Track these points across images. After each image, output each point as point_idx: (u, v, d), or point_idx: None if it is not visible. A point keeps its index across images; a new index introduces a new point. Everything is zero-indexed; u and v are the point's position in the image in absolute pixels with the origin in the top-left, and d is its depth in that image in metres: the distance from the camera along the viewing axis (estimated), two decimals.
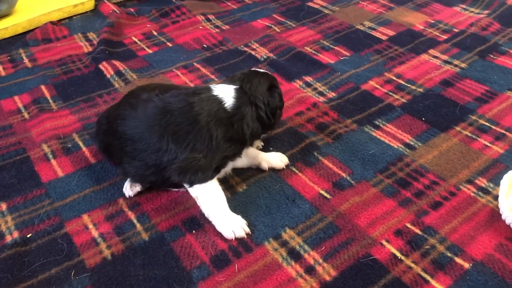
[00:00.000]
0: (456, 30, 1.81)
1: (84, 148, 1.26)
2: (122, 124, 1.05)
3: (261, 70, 1.16)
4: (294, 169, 1.20)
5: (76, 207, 1.10)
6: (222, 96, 1.05)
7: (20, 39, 1.79)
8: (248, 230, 1.02)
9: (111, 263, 0.97)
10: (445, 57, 1.65)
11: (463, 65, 1.60)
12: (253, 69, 1.17)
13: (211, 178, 1.02)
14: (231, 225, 1.02)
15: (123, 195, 1.12)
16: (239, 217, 1.04)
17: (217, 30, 1.85)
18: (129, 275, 0.94)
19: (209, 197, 1.03)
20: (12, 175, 1.18)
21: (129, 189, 1.11)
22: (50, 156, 1.23)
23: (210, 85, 1.10)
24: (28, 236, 1.02)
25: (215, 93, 1.06)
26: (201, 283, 0.93)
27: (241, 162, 1.16)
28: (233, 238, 1.01)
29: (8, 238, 1.02)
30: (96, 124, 1.20)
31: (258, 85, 1.10)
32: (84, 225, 1.05)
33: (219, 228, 1.02)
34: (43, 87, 1.51)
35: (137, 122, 1.04)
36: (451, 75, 1.55)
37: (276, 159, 1.19)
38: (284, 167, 1.19)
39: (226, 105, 1.04)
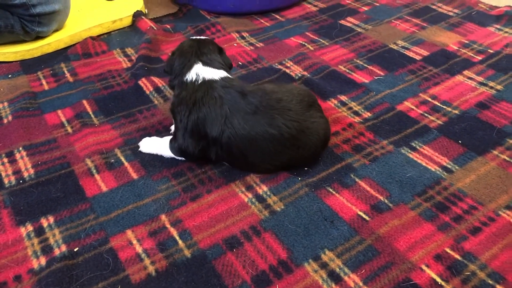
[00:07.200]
0: (491, 51, 1.80)
1: (126, 164, 1.30)
2: None
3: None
4: (330, 189, 1.21)
5: (120, 222, 1.13)
6: None
7: (62, 54, 1.85)
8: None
9: (156, 279, 1.00)
10: (480, 78, 1.65)
11: (498, 87, 1.60)
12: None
13: None
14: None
15: (165, 211, 1.15)
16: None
17: (251, 47, 1.89)
18: None
19: None
20: (58, 188, 1.23)
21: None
22: (94, 171, 1.27)
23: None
24: (76, 250, 1.06)
25: None
26: None
27: None
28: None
29: (57, 251, 1.06)
30: None
31: None
32: (128, 241, 1.08)
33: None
34: (84, 101, 1.56)
35: None
36: (487, 97, 1.55)
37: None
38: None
39: None
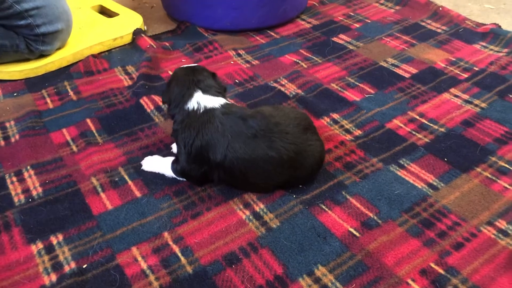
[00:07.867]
0: (476, 69, 1.89)
1: (130, 182, 1.37)
2: None
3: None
4: (323, 206, 1.29)
5: (126, 239, 1.20)
6: None
7: (65, 72, 1.92)
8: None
9: None
10: (465, 96, 1.73)
11: (483, 105, 1.68)
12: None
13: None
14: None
15: (167, 229, 1.22)
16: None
17: (247, 65, 1.96)
18: None
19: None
20: (65, 207, 1.29)
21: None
22: (99, 189, 1.34)
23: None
24: (84, 266, 1.13)
25: None
26: None
27: None
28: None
29: (67, 268, 1.12)
30: None
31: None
32: (133, 257, 1.15)
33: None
34: (88, 120, 1.63)
35: None
36: (472, 115, 1.63)
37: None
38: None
39: None
